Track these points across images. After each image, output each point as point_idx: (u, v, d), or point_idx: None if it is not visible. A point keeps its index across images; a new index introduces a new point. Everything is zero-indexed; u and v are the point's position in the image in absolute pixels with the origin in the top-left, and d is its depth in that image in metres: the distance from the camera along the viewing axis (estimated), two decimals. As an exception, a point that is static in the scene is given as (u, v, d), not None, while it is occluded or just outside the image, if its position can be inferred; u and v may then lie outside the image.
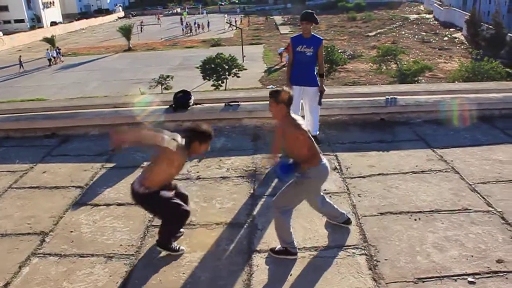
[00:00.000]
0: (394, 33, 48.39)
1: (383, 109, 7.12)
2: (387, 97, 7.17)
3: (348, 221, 4.33)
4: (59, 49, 44.72)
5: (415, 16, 61.68)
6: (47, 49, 43.56)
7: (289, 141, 3.80)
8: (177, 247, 4.11)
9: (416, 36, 46.49)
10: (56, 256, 4.14)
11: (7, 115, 7.54)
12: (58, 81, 33.74)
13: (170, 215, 3.96)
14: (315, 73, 6.31)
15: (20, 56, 41.74)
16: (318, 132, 6.48)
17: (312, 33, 6.16)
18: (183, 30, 59.53)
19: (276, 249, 4.00)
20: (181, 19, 66.34)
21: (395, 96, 7.18)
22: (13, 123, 7.29)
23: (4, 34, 56.01)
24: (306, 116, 6.36)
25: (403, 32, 48.72)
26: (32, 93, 25.27)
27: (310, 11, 6.11)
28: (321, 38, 6.25)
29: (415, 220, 4.41)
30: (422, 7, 74.00)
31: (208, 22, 62.25)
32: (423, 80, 27.51)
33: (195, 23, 60.11)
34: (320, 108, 6.39)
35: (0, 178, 5.88)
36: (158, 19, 73.35)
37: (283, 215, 3.92)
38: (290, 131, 3.75)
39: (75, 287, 3.74)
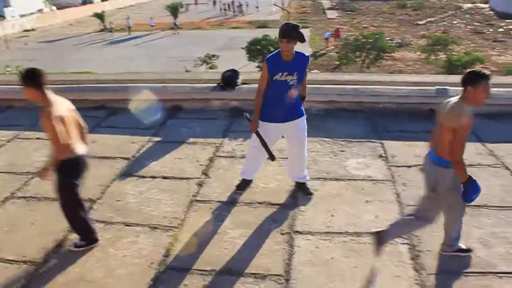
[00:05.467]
0: (445, 23, 46.64)
1: (433, 99, 6.83)
2: (437, 87, 6.91)
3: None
4: (176, 19, 44.39)
5: (469, 5, 58.80)
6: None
7: None
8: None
9: (469, 27, 44.62)
10: (102, 223, 4.30)
11: (61, 85, 7.75)
12: (106, 55, 34.40)
13: None
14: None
15: (128, 17, 44.14)
16: (308, 177, 4.88)
17: (295, 51, 4.28)
18: (221, 10, 57.93)
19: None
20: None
21: (446, 87, 6.92)
22: (66, 94, 7.48)
23: (57, 8, 57.28)
24: (291, 159, 4.77)
25: (455, 22, 46.88)
26: (81, 66, 25.85)
27: (292, 23, 4.25)
28: (307, 55, 4.37)
29: (461, 213, 4.29)
30: (477, -4, 70.91)
31: (257, 5, 60.43)
32: (473, 73, 26.38)
33: (233, 3, 58.27)
34: (368, 95, 6.07)
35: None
36: (196, 3, 68.54)
37: None
38: None
39: (120, 254, 3.89)
